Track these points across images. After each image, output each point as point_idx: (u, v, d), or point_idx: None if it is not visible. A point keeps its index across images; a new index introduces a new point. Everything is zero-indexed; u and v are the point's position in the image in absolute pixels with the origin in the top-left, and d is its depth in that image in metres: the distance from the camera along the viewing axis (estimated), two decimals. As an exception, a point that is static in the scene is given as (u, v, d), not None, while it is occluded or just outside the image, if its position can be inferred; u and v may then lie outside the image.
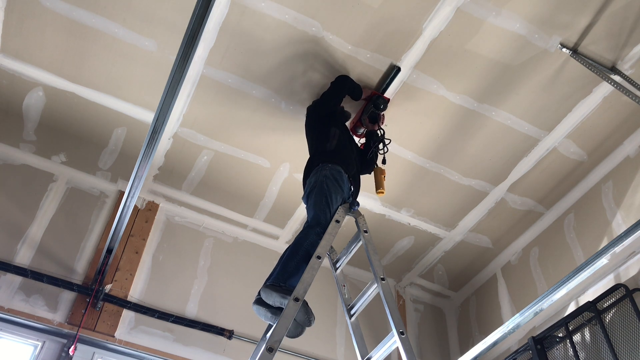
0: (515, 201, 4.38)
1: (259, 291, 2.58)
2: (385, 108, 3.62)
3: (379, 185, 3.37)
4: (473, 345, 3.84)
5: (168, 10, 3.36)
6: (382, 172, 3.44)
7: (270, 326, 2.64)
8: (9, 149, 4.16)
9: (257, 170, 4.25)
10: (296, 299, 2.35)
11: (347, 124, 3.73)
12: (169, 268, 4.20)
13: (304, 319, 2.49)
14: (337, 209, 2.90)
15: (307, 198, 3.02)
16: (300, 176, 4.20)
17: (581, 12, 3.28)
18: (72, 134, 4.11)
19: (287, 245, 3.81)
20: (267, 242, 4.73)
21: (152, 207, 4.43)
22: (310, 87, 3.71)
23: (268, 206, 4.50)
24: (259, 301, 2.58)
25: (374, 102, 3.59)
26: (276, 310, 2.53)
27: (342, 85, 3.47)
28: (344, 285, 3.02)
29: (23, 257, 3.76)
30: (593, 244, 3.90)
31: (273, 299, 2.49)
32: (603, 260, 2.94)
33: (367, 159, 3.53)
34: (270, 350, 2.10)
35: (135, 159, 3.19)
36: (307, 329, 2.58)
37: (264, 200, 4.46)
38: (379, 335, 4.45)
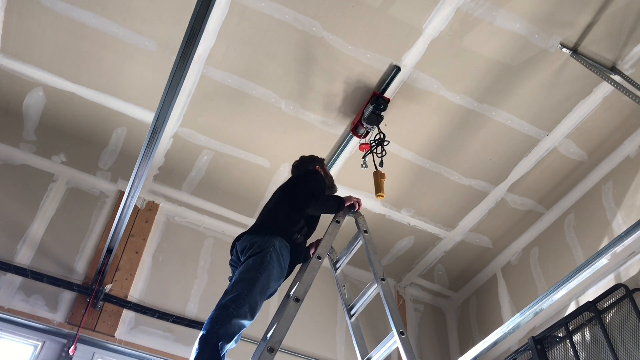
0: (515, 201, 4.38)
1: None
2: (385, 108, 3.62)
3: (379, 189, 3.36)
4: (473, 345, 3.84)
5: (168, 10, 3.36)
6: (383, 175, 3.42)
7: (271, 326, 2.64)
8: (9, 149, 4.16)
9: (257, 170, 4.25)
10: (297, 299, 2.34)
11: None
12: (169, 268, 4.20)
13: None
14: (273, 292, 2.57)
15: (241, 257, 2.56)
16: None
17: (581, 12, 3.28)
18: (72, 134, 4.11)
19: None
20: (267, 242, 4.72)
21: (152, 207, 4.43)
22: (310, 87, 3.70)
23: (268, 206, 4.49)
24: None
25: (374, 102, 3.58)
26: None
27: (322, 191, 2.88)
28: (344, 285, 3.01)
29: (23, 257, 3.76)
30: (593, 244, 3.90)
31: None
32: (603, 260, 2.95)
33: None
34: (271, 350, 2.10)
35: (135, 159, 3.18)
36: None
37: (264, 201, 4.45)
38: (379, 335, 4.44)
